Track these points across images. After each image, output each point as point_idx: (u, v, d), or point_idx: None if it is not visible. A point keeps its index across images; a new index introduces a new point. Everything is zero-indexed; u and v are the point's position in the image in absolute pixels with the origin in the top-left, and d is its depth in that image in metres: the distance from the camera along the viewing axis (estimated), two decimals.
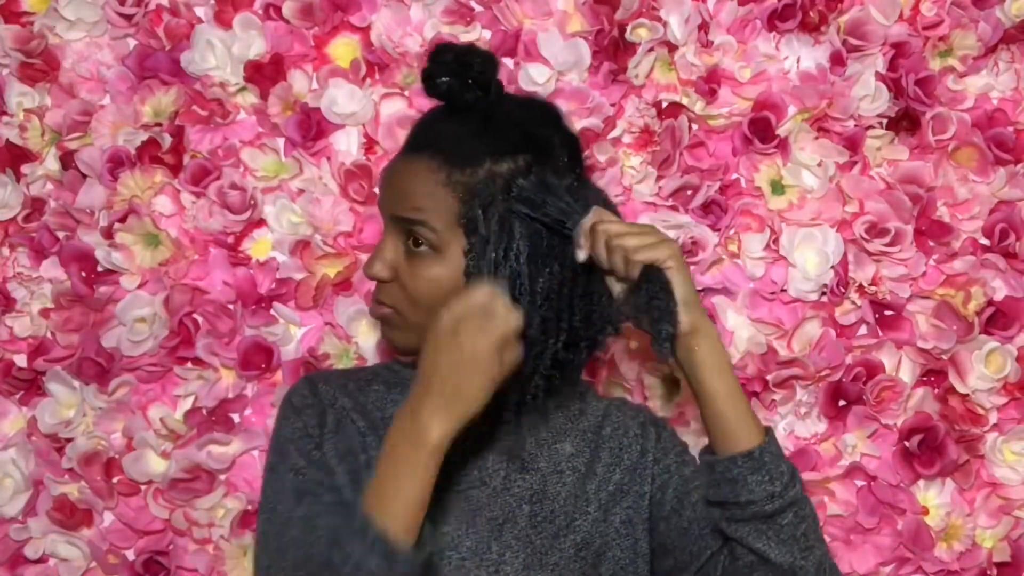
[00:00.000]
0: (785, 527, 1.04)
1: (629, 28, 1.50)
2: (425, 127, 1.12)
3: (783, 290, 1.50)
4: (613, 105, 1.50)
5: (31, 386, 1.54)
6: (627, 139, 1.51)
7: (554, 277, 1.07)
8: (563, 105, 1.47)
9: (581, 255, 1.06)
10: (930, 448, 1.50)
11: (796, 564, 1.05)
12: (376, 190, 1.50)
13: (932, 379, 1.52)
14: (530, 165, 1.07)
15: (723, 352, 1.07)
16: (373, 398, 1.17)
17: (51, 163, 1.54)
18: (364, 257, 1.50)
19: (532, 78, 1.48)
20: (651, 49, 1.50)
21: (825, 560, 1.07)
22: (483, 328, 0.98)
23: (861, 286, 1.50)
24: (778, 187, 1.51)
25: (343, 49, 1.53)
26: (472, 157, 1.06)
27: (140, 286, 1.51)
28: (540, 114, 1.12)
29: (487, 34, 1.51)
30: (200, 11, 1.53)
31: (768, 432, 1.07)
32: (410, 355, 1.12)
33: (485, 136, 1.07)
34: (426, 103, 1.48)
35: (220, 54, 1.50)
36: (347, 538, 0.96)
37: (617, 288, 1.09)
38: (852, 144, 1.50)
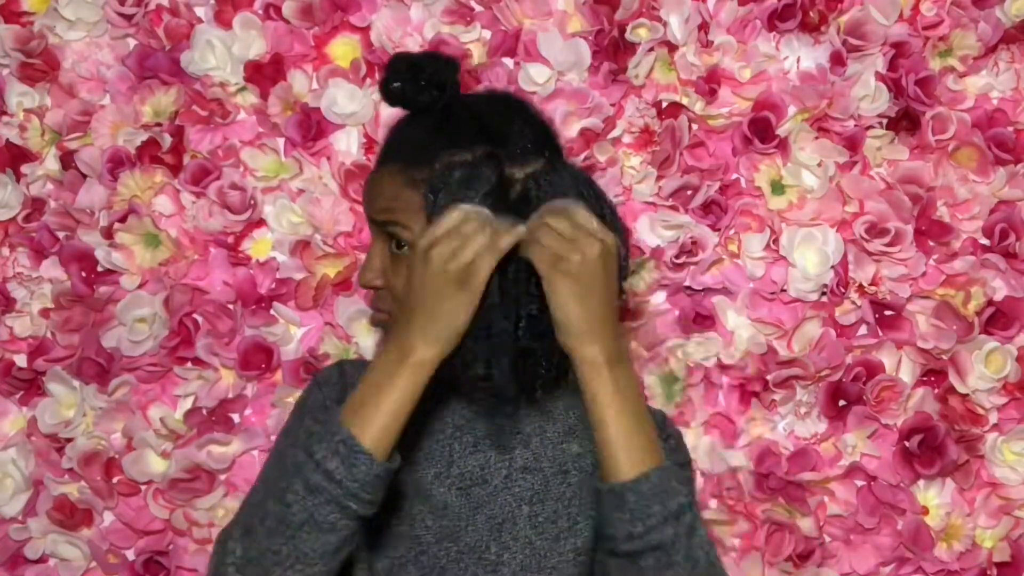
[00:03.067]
0: (643, 570, 1.00)
1: (629, 28, 1.50)
2: (391, 136, 1.14)
3: (783, 290, 1.50)
4: (613, 105, 1.50)
5: (31, 386, 1.54)
6: (627, 139, 1.52)
7: (516, 263, 1.04)
8: (563, 105, 1.48)
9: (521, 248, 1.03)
10: (930, 448, 1.50)
11: None
12: None
13: (932, 379, 1.52)
14: (489, 154, 1.05)
15: (604, 380, 1.01)
16: None
17: (51, 163, 1.54)
18: (364, 257, 1.50)
19: (532, 78, 1.48)
20: (651, 49, 1.50)
21: None
22: (455, 249, 0.98)
23: (861, 286, 1.50)
24: (778, 187, 1.51)
25: (343, 49, 1.53)
26: (428, 153, 1.07)
27: (140, 286, 1.51)
28: (498, 106, 1.12)
29: (487, 34, 1.51)
30: (200, 11, 1.53)
31: (651, 467, 1.01)
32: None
33: (441, 132, 1.08)
34: None
35: (220, 54, 1.50)
36: (316, 442, 0.98)
37: None
38: (852, 144, 1.50)
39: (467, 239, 0.98)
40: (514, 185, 1.04)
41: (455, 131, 1.08)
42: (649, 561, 1.00)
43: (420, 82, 1.08)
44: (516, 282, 1.03)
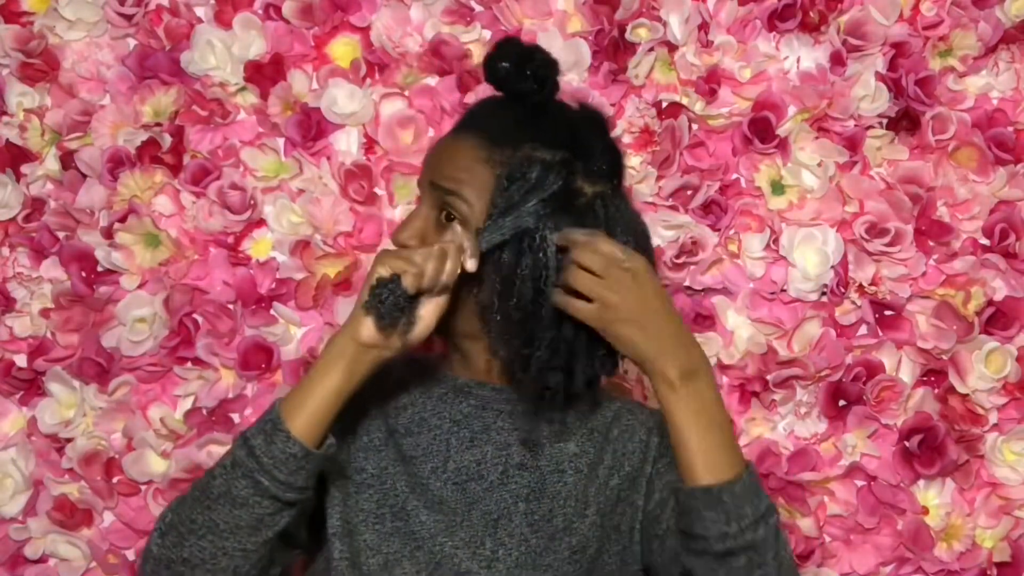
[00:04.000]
0: (735, 570, 1.01)
1: (629, 28, 1.50)
2: (478, 109, 1.15)
3: (783, 290, 1.50)
4: (613, 105, 1.50)
5: (31, 386, 1.54)
6: (627, 139, 1.51)
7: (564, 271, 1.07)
8: None
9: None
10: (930, 448, 1.50)
11: None
12: (376, 190, 1.51)
13: (932, 379, 1.52)
14: (568, 162, 1.08)
15: (682, 397, 1.03)
16: (390, 387, 1.18)
17: (51, 163, 1.54)
18: (364, 257, 1.50)
19: None
20: (651, 49, 1.50)
21: None
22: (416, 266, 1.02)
23: (861, 286, 1.50)
24: (778, 187, 1.51)
25: (343, 49, 1.53)
26: (514, 139, 1.08)
27: (140, 286, 1.51)
28: (589, 119, 1.14)
29: (487, 34, 1.51)
30: (200, 11, 1.53)
31: (741, 470, 1.02)
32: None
33: (531, 124, 1.09)
34: (426, 103, 1.50)
35: (220, 54, 1.50)
36: (253, 427, 1.03)
37: None
38: (852, 144, 1.50)
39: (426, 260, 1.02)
40: (581, 197, 1.08)
41: (545, 129, 1.10)
42: (741, 561, 1.01)
43: (526, 70, 1.09)
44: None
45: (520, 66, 1.09)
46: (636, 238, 1.10)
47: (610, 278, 1.03)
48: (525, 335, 1.06)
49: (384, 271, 1.01)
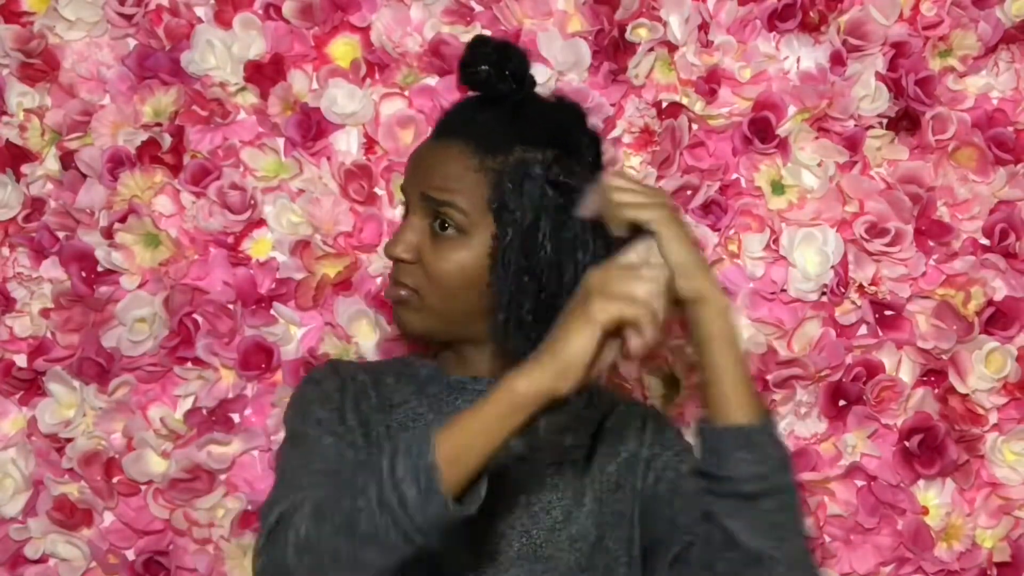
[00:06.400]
0: (763, 513, 1.00)
1: (629, 28, 1.50)
2: (458, 114, 1.14)
3: (783, 290, 1.50)
4: (613, 105, 1.50)
5: (31, 386, 1.54)
6: (627, 139, 1.51)
7: (580, 267, 1.07)
8: None
9: (583, 210, 1.05)
10: (930, 448, 1.50)
11: (766, 553, 1.00)
12: (376, 190, 1.51)
13: (932, 379, 1.52)
14: (558, 159, 1.08)
15: (727, 323, 1.02)
16: (384, 387, 1.19)
17: (51, 163, 1.54)
18: (364, 257, 1.50)
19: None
20: (651, 49, 1.50)
21: (801, 555, 1.03)
22: (630, 280, 0.95)
23: (861, 286, 1.50)
24: (778, 187, 1.51)
25: (343, 49, 1.53)
26: (503, 144, 1.08)
27: (140, 286, 1.51)
28: (570, 113, 1.14)
29: (487, 34, 1.51)
30: (200, 11, 1.53)
31: (768, 415, 1.03)
32: (421, 339, 1.15)
33: (517, 126, 1.09)
34: (426, 103, 1.50)
35: (220, 54, 1.50)
36: (403, 453, 0.93)
37: None
38: (852, 144, 1.50)
39: (633, 295, 0.94)
40: (576, 191, 1.07)
41: (531, 128, 1.09)
42: (769, 504, 1.00)
43: (504, 71, 1.09)
44: (575, 241, 1.07)
45: (498, 67, 1.09)
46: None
47: (650, 193, 1.02)
48: (545, 327, 1.04)
49: (629, 313, 0.94)
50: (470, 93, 1.14)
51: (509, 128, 1.09)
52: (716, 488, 1.01)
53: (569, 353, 0.93)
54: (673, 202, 1.05)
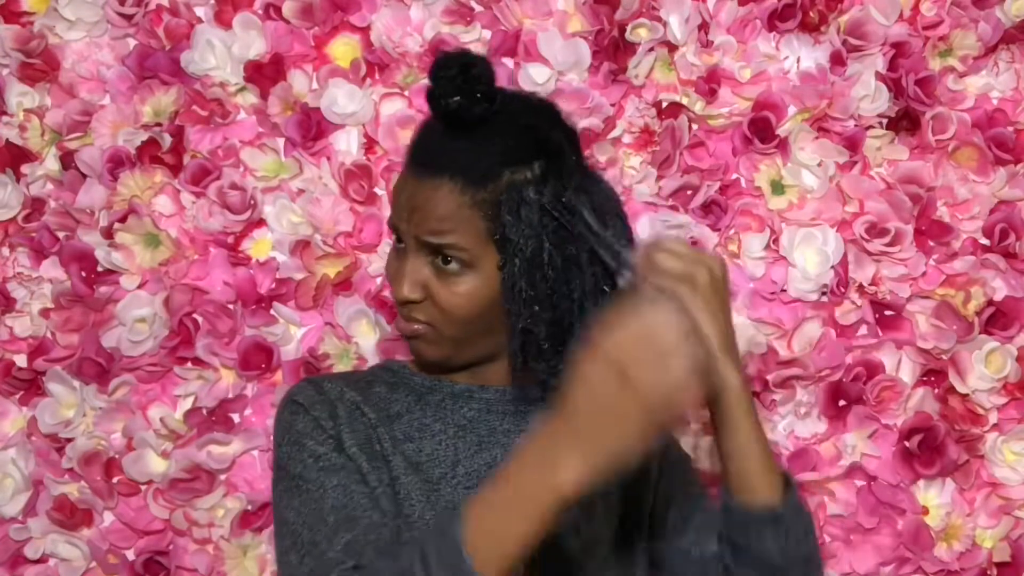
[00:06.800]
0: None
1: (629, 28, 1.50)
2: (436, 147, 1.07)
3: (783, 290, 1.50)
4: (613, 105, 1.50)
5: (31, 386, 1.54)
6: (627, 139, 1.51)
7: (588, 279, 1.07)
8: (563, 105, 1.45)
9: (623, 280, 1.04)
10: (930, 448, 1.50)
11: None
12: (376, 190, 1.51)
13: (932, 379, 1.52)
14: (545, 170, 1.06)
15: (751, 404, 1.04)
16: (376, 399, 1.15)
17: (51, 163, 1.54)
18: (364, 257, 1.50)
19: (532, 78, 1.48)
20: (651, 49, 1.50)
21: None
22: (663, 367, 0.82)
23: (861, 286, 1.50)
24: (778, 187, 1.51)
25: (343, 49, 1.53)
26: (490, 172, 1.05)
27: (140, 286, 1.51)
28: (544, 116, 1.11)
29: (487, 34, 1.51)
30: (200, 11, 1.53)
31: (790, 483, 1.05)
32: (441, 369, 1.13)
33: (498, 147, 1.06)
34: (426, 103, 1.49)
35: (220, 54, 1.50)
36: (435, 560, 0.86)
37: None
38: (852, 144, 1.50)
39: (677, 356, 0.82)
40: (566, 195, 1.06)
41: (514, 145, 1.06)
42: (797, 572, 1.05)
43: (476, 94, 1.03)
44: (579, 255, 1.06)
45: (469, 92, 1.03)
46: (616, 208, 1.10)
47: (700, 260, 1.01)
48: (562, 347, 1.04)
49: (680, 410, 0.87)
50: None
51: (492, 153, 1.05)
52: (744, 559, 1.05)
53: (619, 448, 0.84)
54: (720, 265, 1.02)
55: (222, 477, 1.51)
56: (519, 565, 0.87)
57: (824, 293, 1.50)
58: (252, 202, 1.49)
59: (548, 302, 1.06)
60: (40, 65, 1.53)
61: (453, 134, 1.06)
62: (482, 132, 1.05)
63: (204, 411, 1.51)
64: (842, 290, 1.50)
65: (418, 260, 1.08)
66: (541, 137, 1.08)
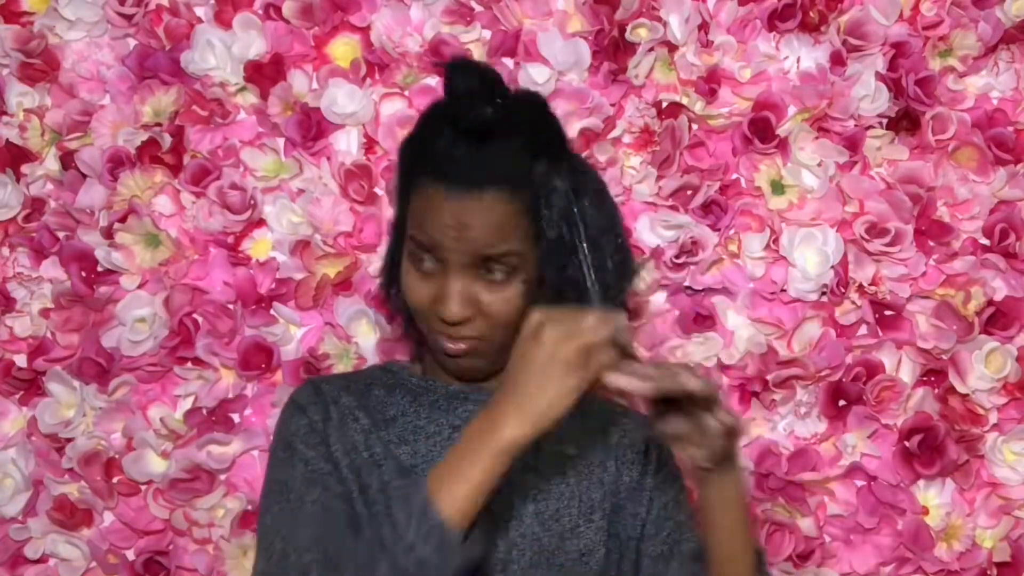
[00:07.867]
0: None
1: (629, 28, 1.50)
2: (470, 160, 1.06)
3: (783, 290, 1.50)
4: (613, 105, 1.50)
5: (31, 386, 1.54)
6: (627, 139, 1.51)
7: (614, 238, 1.13)
8: (563, 105, 1.48)
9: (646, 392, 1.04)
10: (930, 448, 1.50)
11: None
12: (376, 190, 1.50)
13: (932, 379, 1.52)
14: (557, 156, 1.09)
15: (743, 487, 1.08)
16: (374, 402, 1.17)
17: (51, 163, 1.54)
18: (364, 257, 1.50)
19: (532, 78, 1.48)
20: (651, 49, 1.50)
21: None
22: (568, 332, 0.95)
23: (861, 286, 1.50)
24: (778, 187, 1.51)
25: (343, 49, 1.53)
26: (526, 172, 1.06)
27: (140, 286, 1.51)
28: (537, 109, 1.11)
29: (487, 34, 1.51)
30: (200, 11, 1.53)
31: (760, 558, 1.12)
32: (491, 378, 1.15)
33: (520, 147, 1.06)
34: (426, 103, 1.48)
35: (220, 54, 1.50)
36: (403, 519, 0.95)
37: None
38: (852, 144, 1.50)
39: (584, 325, 0.95)
40: (573, 177, 1.10)
41: (530, 141, 1.07)
42: None
43: (496, 100, 1.04)
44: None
45: (492, 102, 1.04)
46: (603, 194, 1.15)
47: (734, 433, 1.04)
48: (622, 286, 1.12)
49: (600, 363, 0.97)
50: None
51: (519, 153, 1.06)
52: None
53: (546, 405, 0.95)
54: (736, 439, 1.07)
55: (222, 477, 1.51)
56: (475, 510, 0.96)
57: (824, 293, 1.50)
58: (252, 202, 1.49)
59: (581, 256, 1.08)
60: (40, 65, 1.53)
61: (480, 144, 1.05)
62: (501, 134, 1.05)
63: (204, 411, 1.51)
64: (842, 290, 1.50)
65: (466, 277, 1.07)
66: (543, 128, 1.09)
